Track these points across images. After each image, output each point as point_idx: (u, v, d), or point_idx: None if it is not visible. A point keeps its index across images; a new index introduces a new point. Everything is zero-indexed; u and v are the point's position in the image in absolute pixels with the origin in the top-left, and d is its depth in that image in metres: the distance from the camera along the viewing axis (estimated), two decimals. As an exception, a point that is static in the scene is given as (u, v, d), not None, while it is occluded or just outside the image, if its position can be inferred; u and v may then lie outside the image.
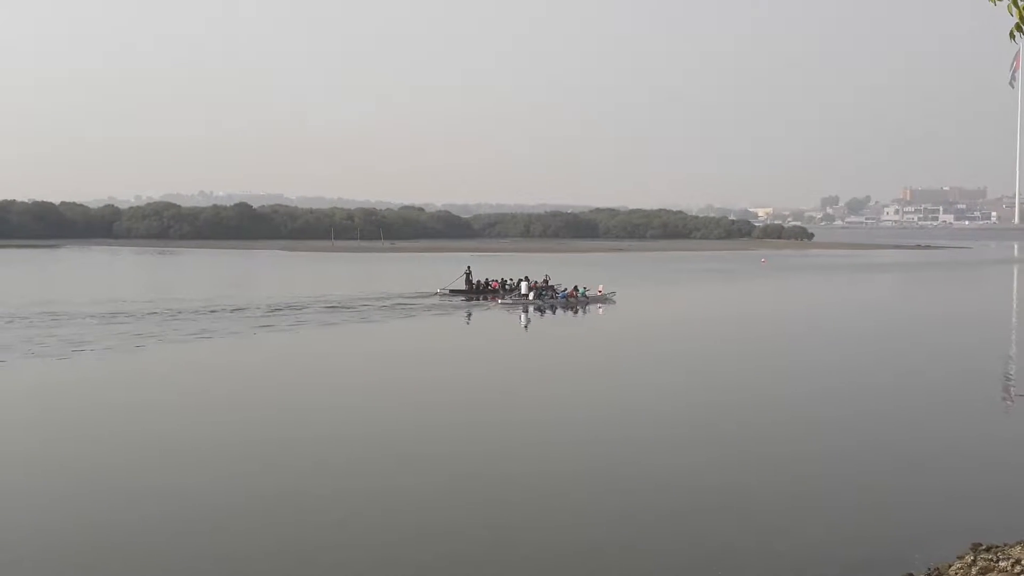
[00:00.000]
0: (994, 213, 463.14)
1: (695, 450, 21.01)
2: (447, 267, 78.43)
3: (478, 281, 60.28)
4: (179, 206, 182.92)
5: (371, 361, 34.60)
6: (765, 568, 14.06)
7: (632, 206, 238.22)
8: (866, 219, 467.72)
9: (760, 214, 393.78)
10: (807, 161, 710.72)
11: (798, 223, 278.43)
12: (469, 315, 50.04)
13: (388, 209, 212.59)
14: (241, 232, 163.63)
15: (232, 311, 47.09)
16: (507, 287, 59.06)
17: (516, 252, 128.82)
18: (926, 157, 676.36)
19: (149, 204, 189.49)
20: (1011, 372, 33.16)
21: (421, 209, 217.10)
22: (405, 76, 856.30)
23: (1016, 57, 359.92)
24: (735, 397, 27.35)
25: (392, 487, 17.88)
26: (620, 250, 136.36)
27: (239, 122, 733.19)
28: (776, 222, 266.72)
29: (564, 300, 54.81)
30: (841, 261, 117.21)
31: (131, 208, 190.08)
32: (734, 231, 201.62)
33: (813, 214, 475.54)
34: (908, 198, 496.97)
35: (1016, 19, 5.70)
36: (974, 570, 13.25)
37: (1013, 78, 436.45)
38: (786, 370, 33.01)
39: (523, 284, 56.75)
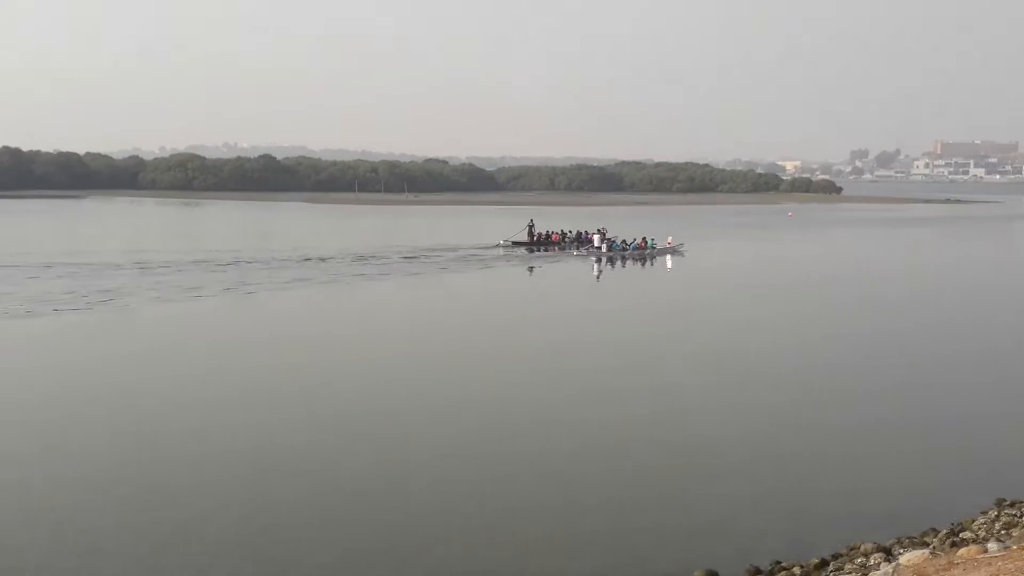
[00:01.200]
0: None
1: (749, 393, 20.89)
2: (486, 220, 78.32)
3: (540, 233, 62.28)
4: (203, 158, 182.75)
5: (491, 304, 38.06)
6: (795, 518, 14.10)
7: (658, 159, 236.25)
8: (895, 173, 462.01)
9: (788, 168, 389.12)
10: (837, 114, 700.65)
11: (826, 177, 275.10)
12: (537, 266, 52.30)
13: (412, 162, 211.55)
14: (265, 184, 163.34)
15: (321, 260, 49.30)
16: (567, 239, 61.65)
17: (541, 205, 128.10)
18: (957, 110, 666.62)
19: (173, 155, 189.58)
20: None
21: (445, 162, 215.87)
22: (429, 23, 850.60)
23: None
24: (797, 339, 27.19)
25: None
26: (645, 203, 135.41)
27: (265, 73, 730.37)
28: (804, 176, 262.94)
29: (635, 251, 56.58)
30: (869, 215, 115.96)
31: (155, 159, 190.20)
32: (761, 185, 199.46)
33: (842, 168, 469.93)
34: (939, 152, 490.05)
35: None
36: (997, 524, 13.13)
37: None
38: (836, 326, 32.73)
39: (596, 236, 58.32)
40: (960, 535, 12.74)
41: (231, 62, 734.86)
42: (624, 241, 57.81)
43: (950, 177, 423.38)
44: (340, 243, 59.92)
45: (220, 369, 24.51)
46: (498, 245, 59.61)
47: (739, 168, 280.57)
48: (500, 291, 42.53)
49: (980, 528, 13.11)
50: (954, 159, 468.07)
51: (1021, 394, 22.29)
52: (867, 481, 15.68)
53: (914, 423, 19.42)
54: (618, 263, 53.69)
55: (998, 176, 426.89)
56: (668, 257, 55.90)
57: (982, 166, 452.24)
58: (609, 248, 56.84)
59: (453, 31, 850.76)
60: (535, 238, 62.13)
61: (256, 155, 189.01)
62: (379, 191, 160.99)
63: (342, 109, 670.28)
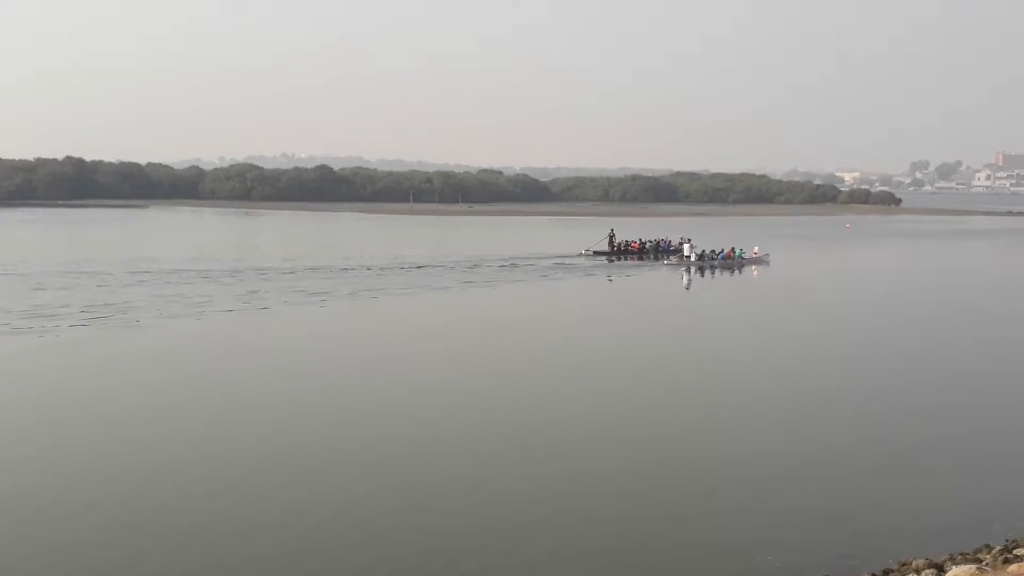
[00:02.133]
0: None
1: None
2: (551, 230, 78.89)
3: (620, 243, 63.50)
4: (261, 168, 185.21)
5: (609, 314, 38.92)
6: (847, 533, 14.04)
7: (715, 170, 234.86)
8: (956, 184, 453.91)
9: (847, 178, 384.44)
10: (897, 125, 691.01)
11: (885, 188, 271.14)
12: (631, 275, 53.57)
13: (466, 172, 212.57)
14: (322, 194, 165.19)
15: (417, 267, 51.62)
16: (646, 248, 63.53)
17: (595, 216, 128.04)
18: (1019, 121, 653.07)
19: (232, 166, 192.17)
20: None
21: (500, 172, 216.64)
22: (483, 37, 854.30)
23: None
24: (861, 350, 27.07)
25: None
26: (702, 214, 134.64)
27: (322, 85, 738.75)
28: (863, 187, 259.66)
29: (723, 261, 57.77)
30: (929, 227, 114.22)
31: (215, 169, 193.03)
32: (818, 196, 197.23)
33: (902, 179, 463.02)
34: (1000, 163, 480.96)
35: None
36: (1053, 543, 12.91)
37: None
38: (900, 341, 32.46)
39: (686, 246, 59.51)
40: (1014, 552, 12.62)
41: (290, 72, 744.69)
42: (713, 251, 58.71)
43: (1012, 189, 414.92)
44: (434, 252, 62.13)
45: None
46: (581, 254, 61.12)
47: (796, 179, 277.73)
48: (605, 300, 44.28)
49: (1035, 545, 12.98)
50: (1016, 171, 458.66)
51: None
52: (925, 496, 15.59)
53: (977, 438, 19.21)
54: (707, 273, 54.70)
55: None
56: (755, 267, 57.04)
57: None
58: (699, 258, 57.78)
59: (512, 43, 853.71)
60: (616, 247, 63.27)
61: (313, 165, 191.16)
62: (434, 201, 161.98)
63: (398, 119, 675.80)
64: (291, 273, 47.53)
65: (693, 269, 55.88)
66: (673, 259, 59.29)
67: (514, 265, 53.94)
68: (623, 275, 53.45)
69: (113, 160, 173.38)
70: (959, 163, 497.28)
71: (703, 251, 58.61)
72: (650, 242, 64.57)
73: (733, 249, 59.07)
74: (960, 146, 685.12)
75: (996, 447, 18.51)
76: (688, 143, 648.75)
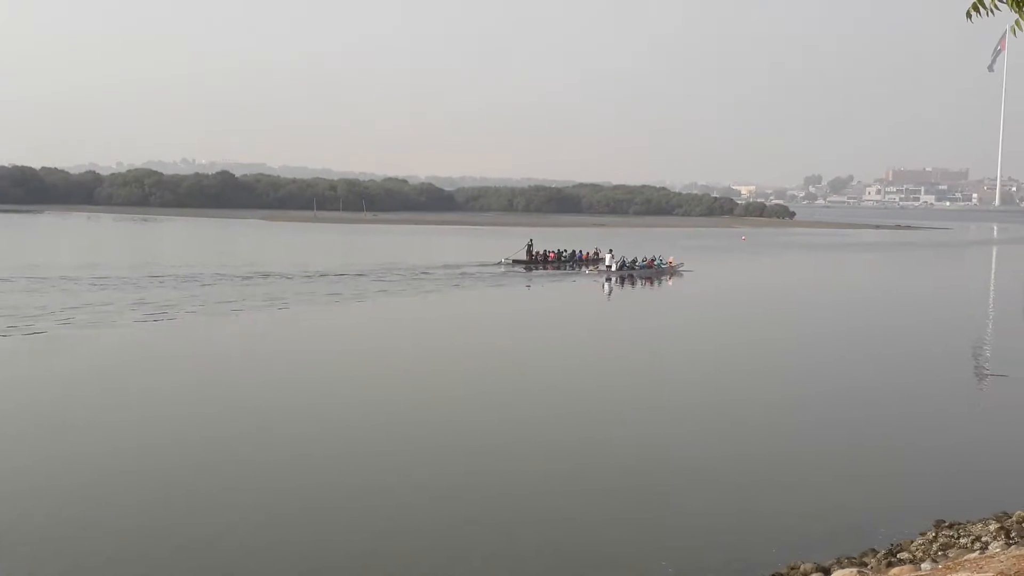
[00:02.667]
0: (975, 195, 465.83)
1: (672, 428, 21.42)
2: (458, 239, 78.94)
3: (538, 252, 65.10)
4: (161, 173, 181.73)
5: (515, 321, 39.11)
6: (737, 539, 14.38)
7: (616, 182, 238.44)
8: (848, 199, 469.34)
9: (743, 192, 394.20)
10: (791, 140, 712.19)
11: (780, 202, 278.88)
12: (554, 283, 54.89)
13: (371, 180, 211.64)
14: (222, 201, 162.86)
15: (347, 277, 51.21)
16: (562, 257, 65.10)
17: (498, 226, 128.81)
18: (909, 138, 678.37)
19: (130, 171, 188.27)
20: (986, 353, 33.69)
21: (404, 181, 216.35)
22: (391, 45, 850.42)
23: (1001, 40, 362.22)
24: (730, 375, 27.81)
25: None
26: (604, 225, 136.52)
27: (223, 90, 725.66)
28: (758, 200, 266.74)
29: (644, 270, 59.29)
30: (820, 240, 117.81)
31: (112, 175, 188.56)
32: (716, 208, 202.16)
33: (796, 193, 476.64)
34: (890, 178, 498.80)
35: (974, 0, 5.93)
36: (935, 546, 13.60)
37: (993, 64, 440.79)
38: (779, 348, 33.41)
39: (608, 256, 60.94)
40: (898, 555, 13.22)
41: (191, 78, 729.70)
42: (634, 260, 60.20)
43: (901, 203, 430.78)
44: (341, 260, 61.85)
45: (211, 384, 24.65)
46: (500, 263, 61.90)
47: (695, 192, 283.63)
48: (538, 308, 44.52)
49: (918, 549, 13.57)
50: (905, 186, 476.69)
51: (962, 415, 23.00)
52: (813, 504, 16.06)
53: (862, 446, 19.91)
54: (627, 282, 56.15)
55: (948, 203, 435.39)
56: (672, 277, 58.73)
57: (932, 193, 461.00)
58: (620, 267, 59.12)
59: (415, 53, 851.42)
60: (533, 256, 64.60)
61: (214, 171, 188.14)
62: (338, 209, 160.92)
63: (301, 127, 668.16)
64: (193, 280, 46.65)
65: (615, 278, 57.03)
66: (595, 268, 60.80)
67: (425, 274, 53.87)
68: (543, 284, 54.09)
69: (5, 164, 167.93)
70: (851, 178, 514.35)
71: (624, 260, 59.93)
72: (566, 252, 66.10)
73: (653, 259, 60.67)
74: (852, 161, 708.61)
75: (880, 457, 19.25)
76: (591, 155, 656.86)
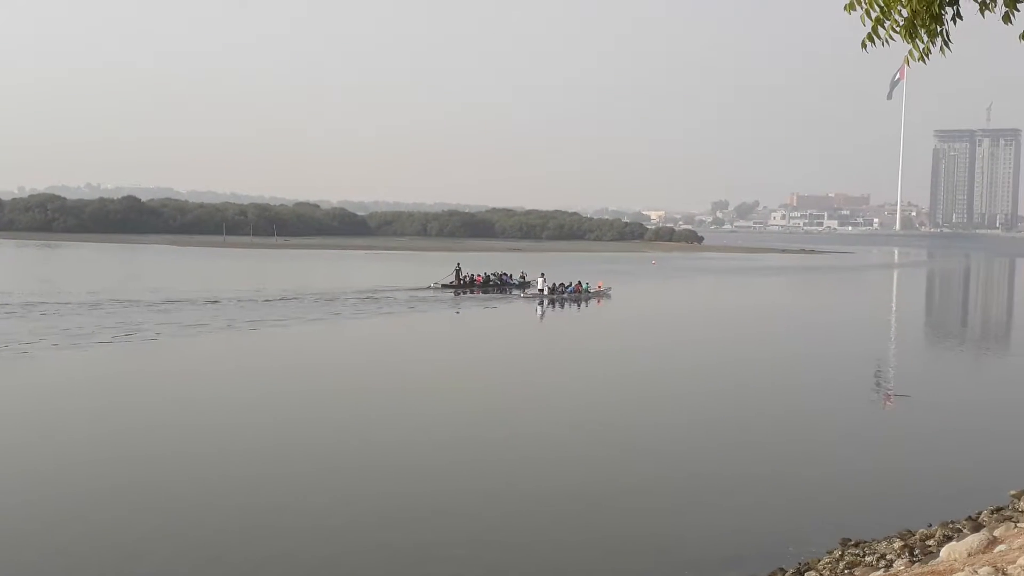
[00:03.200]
0: (876, 219, 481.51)
1: (587, 448, 21.60)
2: (379, 264, 78.21)
3: (465, 276, 66.46)
4: (64, 198, 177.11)
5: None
6: (647, 564, 14.50)
7: (529, 207, 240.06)
8: (754, 224, 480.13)
9: (653, 217, 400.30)
10: (699, 166, 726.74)
11: (689, 226, 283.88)
12: (491, 307, 56.43)
13: (282, 205, 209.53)
14: (128, 226, 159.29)
15: (287, 300, 52.33)
16: (490, 281, 66.61)
17: (412, 251, 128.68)
18: (812, 164, 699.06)
19: (33, 196, 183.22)
20: (890, 374, 34.72)
21: (316, 206, 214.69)
22: (301, 72, 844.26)
23: (899, 70, 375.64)
24: (639, 392, 28.15)
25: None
26: (518, 250, 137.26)
27: (131, 113, 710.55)
28: (668, 225, 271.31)
29: (572, 294, 61.30)
30: (729, 264, 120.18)
31: (14, 200, 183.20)
32: (627, 233, 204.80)
33: (704, 218, 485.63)
34: (795, 204, 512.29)
35: (869, 30, 6.23)
36: (841, 564, 13.95)
37: (891, 92, 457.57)
38: (679, 368, 33.94)
39: (539, 280, 62.43)
40: (805, 574, 13.52)
41: (95, 98, 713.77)
42: (563, 284, 62.22)
43: (805, 228, 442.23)
44: (280, 286, 61.44)
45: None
46: (429, 287, 62.78)
47: (606, 217, 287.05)
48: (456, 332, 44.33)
49: (825, 568, 13.88)
50: (809, 211, 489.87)
51: (866, 435, 23.66)
52: (723, 526, 16.29)
53: (770, 468, 20.28)
54: (558, 305, 58.22)
55: (850, 228, 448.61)
56: (598, 300, 60.91)
57: (835, 218, 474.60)
58: (551, 291, 61.15)
59: (330, 74, 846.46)
60: (462, 280, 65.95)
61: (120, 196, 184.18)
62: (248, 234, 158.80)
63: (211, 151, 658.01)
64: (97, 308, 45.57)
65: (546, 301, 59.08)
66: (527, 292, 62.82)
67: (333, 299, 53.46)
68: (474, 308, 55.58)
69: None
70: (757, 203, 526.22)
71: (554, 284, 61.95)
72: (493, 275, 67.75)
73: (580, 283, 62.52)
74: (757, 187, 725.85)
75: (788, 477, 19.66)
76: (503, 181, 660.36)
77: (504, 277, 68.07)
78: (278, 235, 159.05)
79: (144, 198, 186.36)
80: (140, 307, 46.46)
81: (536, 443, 22.17)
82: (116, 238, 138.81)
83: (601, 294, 62.72)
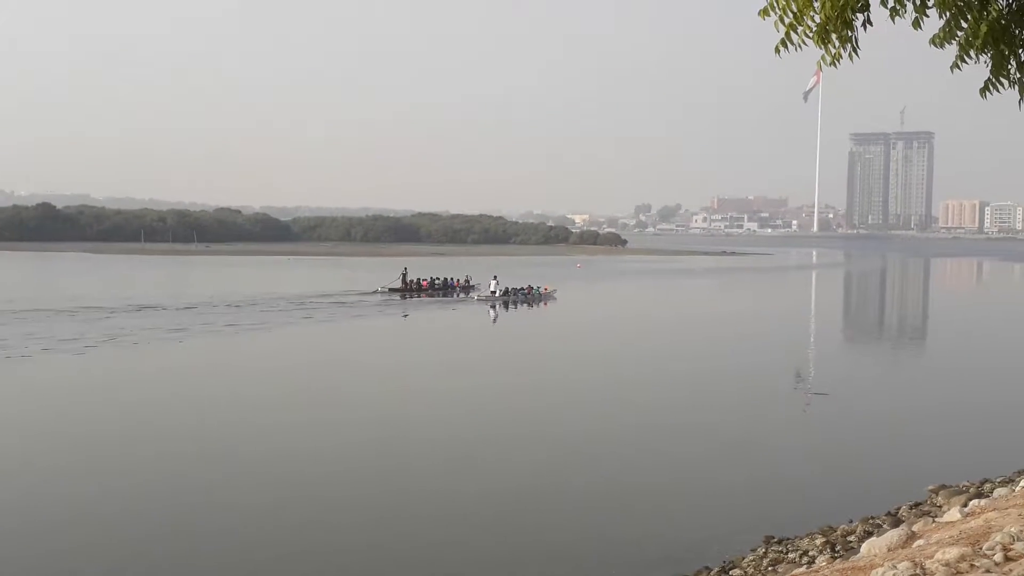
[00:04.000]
0: (795, 222, 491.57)
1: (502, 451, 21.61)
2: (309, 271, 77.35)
3: (412, 280, 67.30)
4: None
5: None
6: (566, 564, 14.57)
7: (455, 211, 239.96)
8: (676, 226, 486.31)
9: (577, 220, 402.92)
10: (621, 170, 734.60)
11: (612, 230, 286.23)
12: (450, 311, 58.09)
13: (203, 211, 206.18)
14: (43, 234, 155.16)
15: (239, 306, 52.29)
16: (435, 285, 67.98)
17: (337, 256, 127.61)
18: (732, 168, 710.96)
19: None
20: (808, 373, 35.33)
21: (238, 211, 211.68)
22: (223, 75, 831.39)
23: (816, 73, 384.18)
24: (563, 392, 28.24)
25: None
26: (443, 254, 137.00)
27: (46, 117, 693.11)
28: (592, 228, 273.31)
29: (524, 296, 63.53)
30: (653, 267, 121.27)
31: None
32: (552, 237, 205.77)
33: (627, 221, 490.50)
34: (715, 207, 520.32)
35: (783, 35, 6.32)
36: (765, 562, 14.15)
37: (807, 95, 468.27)
38: (604, 371, 34.11)
39: (492, 283, 64.13)
40: (730, 572, 13.69)
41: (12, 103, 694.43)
42: (515, 288, 63.96)
43: (726, 231, 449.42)
44: (210, 291, 61.71)
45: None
46: (376, 291, 63.75)
47: (531, 221, 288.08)
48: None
49: (749, 565, 14.06)
50: (730, 213, 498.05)
51: (788, 432, 24.06)
52: (648, 524, 16.46)
53: (695, 467, 20.52)
54: (511, 307, 60.10)
55: (770, 230, 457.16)
56: (546, 301, 63.05)
57: (755, 220, 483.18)
58: (503, 293, 63.06)
59: (252, 77, 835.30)
60: (408, 285, 66.68)
61: (34, 203, 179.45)
62: (167, 241, 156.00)
63: (128, 156, 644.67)
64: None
65: (499, 304, 60.84)
66: (481, 294, 64.53)
67: (249, 307, 52.69)
68: (435, 311, 57.29)
69: None
70: (679, 206, 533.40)
71: (507, 287, 63.66)
72: (438, 280, 68.94)
73: (530, 286, 64.50)
74: (679, 190, 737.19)
75: (712, 476, 19.87)
76: (430, 186, 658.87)
77: (448, 281, 69.18)
78: (199, 241, 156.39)
79: (60, 205, 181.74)
80: (60, 317, 45.29)
81: (463, 447, 22.10)
82: (30, 246, 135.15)
83: (550, 296, 64.74)
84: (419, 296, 64.76)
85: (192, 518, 16.55)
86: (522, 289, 64.05)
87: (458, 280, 69.95)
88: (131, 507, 17.15)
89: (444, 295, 66.28)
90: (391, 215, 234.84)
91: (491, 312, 57.15)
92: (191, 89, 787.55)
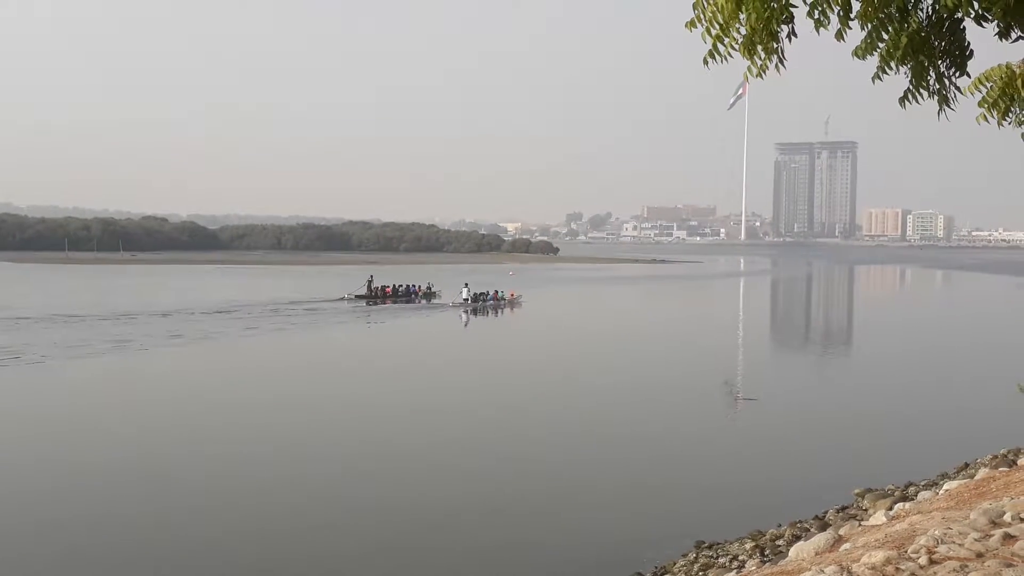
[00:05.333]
0: (723, 230, 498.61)
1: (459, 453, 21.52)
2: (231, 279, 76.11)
3: (377, 287, 69.89)
4: None
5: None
6: (499, 570, 14.58)
7: (386, 219, 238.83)
8: (607, 234, 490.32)
9: (510, 228, 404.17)
10: (553, 178, 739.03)
11: (544, 238, 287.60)
12: (426, 316, 60.18)
13: (128, 219, 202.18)
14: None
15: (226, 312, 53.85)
16: (398, 292, 70.05)
17: (266, 265, 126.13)
18: (662, 176, 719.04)
19: None
20: (738, 379, 35.78)
21: (164, 220, 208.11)
22: (146, 80, 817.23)
23: (742, 84, 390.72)
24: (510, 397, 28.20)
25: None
26: (375, 262, 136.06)
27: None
28: (524, 236, 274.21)
29: (492, 302, 66.39)
30: (584, 274, 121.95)
31: None
32: (485, 245, 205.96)
33: (559, 229, 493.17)
34: (645, 215, 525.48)
35: (710, 47, 6.38)
36: (696, 567, 14.25)
37: (732, 105, 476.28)
38: (534, 379, 34.17)
39: (464, 290, 66.38)
40: (662, 578, 13.92)
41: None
42: (483, 294, 66.95)
43: (656, 238, 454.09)
44: (194, 300, 62.30)
45: None
46: (343, 298, 66.61)
47: (464, 229, 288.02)
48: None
49: (680, 571, 14.12)
50: (659, 222, 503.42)
51: (717, 438, 24.31)
52: (580, 531, 16.49)
53: (625, 474, 20.58)
54: (480, 313, 62.79)
55: (698, 238, 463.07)
56: (512, 308, 66.11)
57: (684, 228, 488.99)
58: (473, 299, 65.60)
59: (177, 82, 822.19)
60: (373, 292, 69.13)
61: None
62: (93, 250, 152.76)
63: (52, 163, 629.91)
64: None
65: (469, 310, 63.63)
66: (456, 301, 65.99)
67: (278, 312, 55.75)
68: (388, 319, 58.28)
69: None
70: (609, 215, 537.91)
71: (476, 294, 66.36)
72: (401, 287, 71.24)
73: (497, 292, 67.63)
74: (610, 199, 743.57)
75: (643, 482, 19.97)
76: (359, 193, 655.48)
77: (411, 288, 71.46)
78: (124, 250, 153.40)
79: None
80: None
81: (392, 454, 21.97)
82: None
83: (516, 302, 67.74)
84: (383, 303, 67.22)
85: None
86: (489, 295, 66.83)
87: (419, 287, 71.92)
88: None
89: (407, 301, 68.34)
90: (322, 223, 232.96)
91: (463, 317, 60.12)
92: (116, 102, 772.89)
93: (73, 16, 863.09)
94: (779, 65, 6.40)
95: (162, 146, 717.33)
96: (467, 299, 65.59)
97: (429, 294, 71.04)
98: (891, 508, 14.29)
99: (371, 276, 72.68)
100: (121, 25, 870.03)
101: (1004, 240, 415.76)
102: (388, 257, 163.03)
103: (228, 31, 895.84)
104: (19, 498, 18.27)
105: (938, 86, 6.60)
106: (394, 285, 71.39)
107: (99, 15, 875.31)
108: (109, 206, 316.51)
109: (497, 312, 63.68)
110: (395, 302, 67.90)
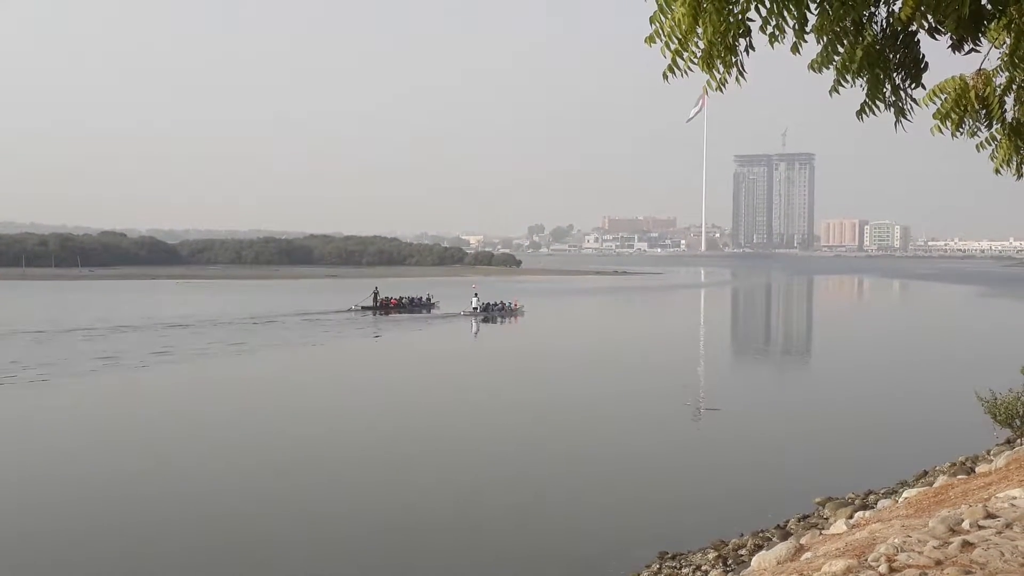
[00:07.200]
0: (683, 241, 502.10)
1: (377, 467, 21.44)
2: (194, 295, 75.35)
3: (383, 299, 73.06)
4: None
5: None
6: None
7: (348, 233, 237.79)
8: (569, 247, 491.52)
9: (472, 241, 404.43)
10: (515, 191, 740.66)
11: (507, 250, 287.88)
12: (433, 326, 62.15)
13: (86, 235, 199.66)
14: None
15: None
16: (403, 303, 73.56)
17: (227, 279, 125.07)
18: (623, 189, 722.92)
19: None
20: (699, 389, 35.95)
21: (123, 235, 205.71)
22: (104, 94, 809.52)
23: (701, 97, 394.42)
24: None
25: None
26: (336, 276, 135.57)
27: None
28: (487, 249, 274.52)
29: (501, 311, 69.45)
30: (547, 286, 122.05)
31: None
32: (447, 258, 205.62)
33: (521, 242, 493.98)
34: (607, 227, 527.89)
35: (669, 61, 6.42)
36: (659, 578, 14.34)
37: (691, 117, 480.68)
38: (500, 390, 34.16)
39: (474, 299, 69.70)
40: (630, 589, 13.92)
41: None
42: (493, 303, 70.24)
43: (617, 250, 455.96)
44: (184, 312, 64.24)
45: None
46: (350, 309, 69.58)
47: (426, 242, 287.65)
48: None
49: (644, 582, 14.33)
50: (620, 234, 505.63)
51: (680, 449, 24.43)
52: (545, 542, 16.50)
53: (588, 485, 20.62)
54: (490, 321, 65.56)
55: (659, 249, 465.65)
56: (516, 316, 68.93)
57: (645, 240, 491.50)
58: (483, 308, 68.74)
59: (137, 96, 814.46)
60: (379, 303, 72.24)
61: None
62: (50, 265, 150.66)
63: (7, 178, 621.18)
64: None
65: (480, 318, 66.42)
66: (467, 310, 68.84)
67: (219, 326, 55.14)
68: (396, 329, 59.99)
69: None
70: (571, 227, 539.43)
71: (487, 303, 69.58)
72: (405, 298, 74.89)
73: (503, 302, 70.93)
74: (571, 211, 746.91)
75: (606, 493, 20.01)
76: (320, 207, 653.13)
77: (415, 299, 75.24)
78: (83, 265, 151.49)
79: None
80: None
81: (366, 462, 21.86)
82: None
83: (519, 311, 70.54)
84: (386, 313, 69.99)
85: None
86: (498, 305, 70.16)
87: (422, 298, 75.74)
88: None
89: (411, 312, 71.25)
90: (283, 237, 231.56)
91: (473, 325, 62.64)
92: (74, 116, 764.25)
93: (20, 30, 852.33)
94: (739, 78, 6.45)
95: (119, 160, 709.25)
96: (476, 308, 68.50)
97: (430, 305, 74.42)
98: (851, 516, 14.43)
99: (376, 288, 75.87)
100: (76, 33, 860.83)
101: (960, 250, 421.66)
102: (350, 271, 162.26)
103: (163, 47, 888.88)
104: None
105: (894, 98, 6.68)
106: (399, 297, 74.97)
107: (72, 21, 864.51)
108: (67, 221, 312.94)
109: (504, 321, 66.59)
110: (400, 312, 70.80)
